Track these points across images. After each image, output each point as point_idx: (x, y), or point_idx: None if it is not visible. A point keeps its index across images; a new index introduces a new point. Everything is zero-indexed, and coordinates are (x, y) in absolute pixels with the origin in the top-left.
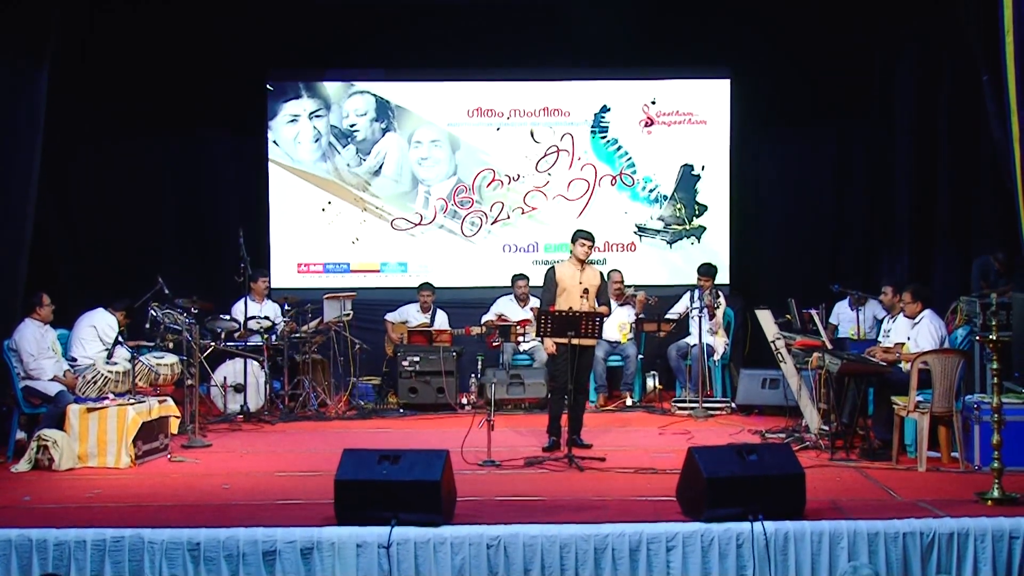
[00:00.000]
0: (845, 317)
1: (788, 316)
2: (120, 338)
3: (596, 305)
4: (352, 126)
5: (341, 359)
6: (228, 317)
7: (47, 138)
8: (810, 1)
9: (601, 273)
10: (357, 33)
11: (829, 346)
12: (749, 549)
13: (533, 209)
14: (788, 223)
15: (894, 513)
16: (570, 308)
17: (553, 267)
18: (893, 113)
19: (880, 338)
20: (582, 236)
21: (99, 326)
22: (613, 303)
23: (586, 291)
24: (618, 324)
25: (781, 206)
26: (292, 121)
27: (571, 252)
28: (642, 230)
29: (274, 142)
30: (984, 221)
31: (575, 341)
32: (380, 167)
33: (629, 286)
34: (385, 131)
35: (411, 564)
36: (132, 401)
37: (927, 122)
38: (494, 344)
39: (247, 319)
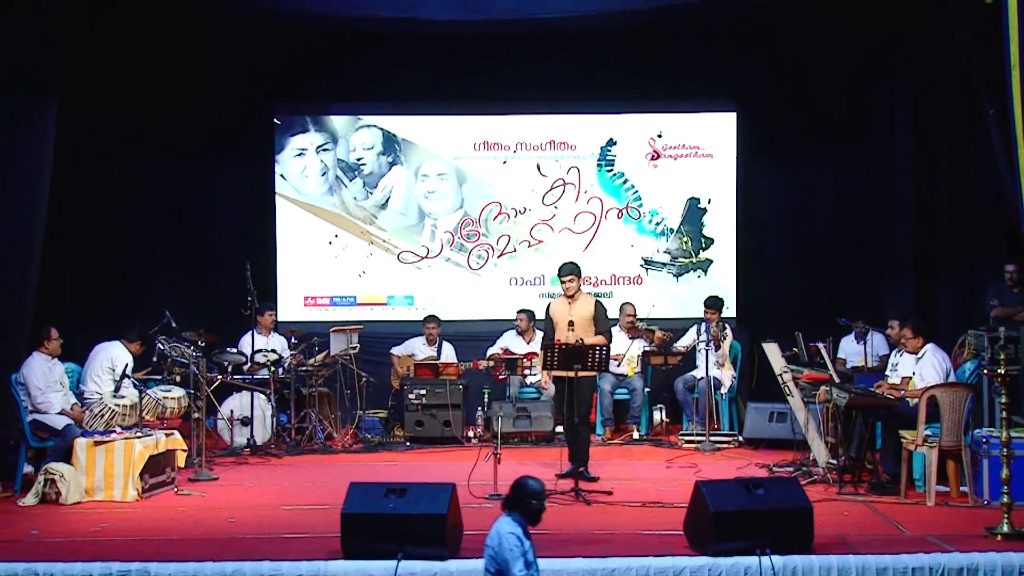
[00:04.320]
0: (851, 350)
1: (795, 349)
2: (127, 371)
3: (592, 335)
4: (359, 160)
5: (347, 392)
6: (235, 350)
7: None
8: (813, 35)
9: (597, 302)
10: (364, 67)
11: (836, 379)
12: None
13: (539, 242)
14: (795, 256)
15: (902, 548)
16: (580, 340)
17: (550, 303)
18: (895, 145)
19: (888, 372)
20: (559, 273)
21: (117, 366)
22: (623, 336)
23: (571, 323)
24: (626, 358)
25: (788, 239)
26: (299, 155)
27: None
28: (648, 263)
29: (281, 175)
30: (986, 251)
31: (569, 373)
32: (387, 200)
33: (642, 320)
34: (392, 164)
35: None
36: (139, 434)
37: (928, 153)
38: (500, 377)
39: (254, 352)
